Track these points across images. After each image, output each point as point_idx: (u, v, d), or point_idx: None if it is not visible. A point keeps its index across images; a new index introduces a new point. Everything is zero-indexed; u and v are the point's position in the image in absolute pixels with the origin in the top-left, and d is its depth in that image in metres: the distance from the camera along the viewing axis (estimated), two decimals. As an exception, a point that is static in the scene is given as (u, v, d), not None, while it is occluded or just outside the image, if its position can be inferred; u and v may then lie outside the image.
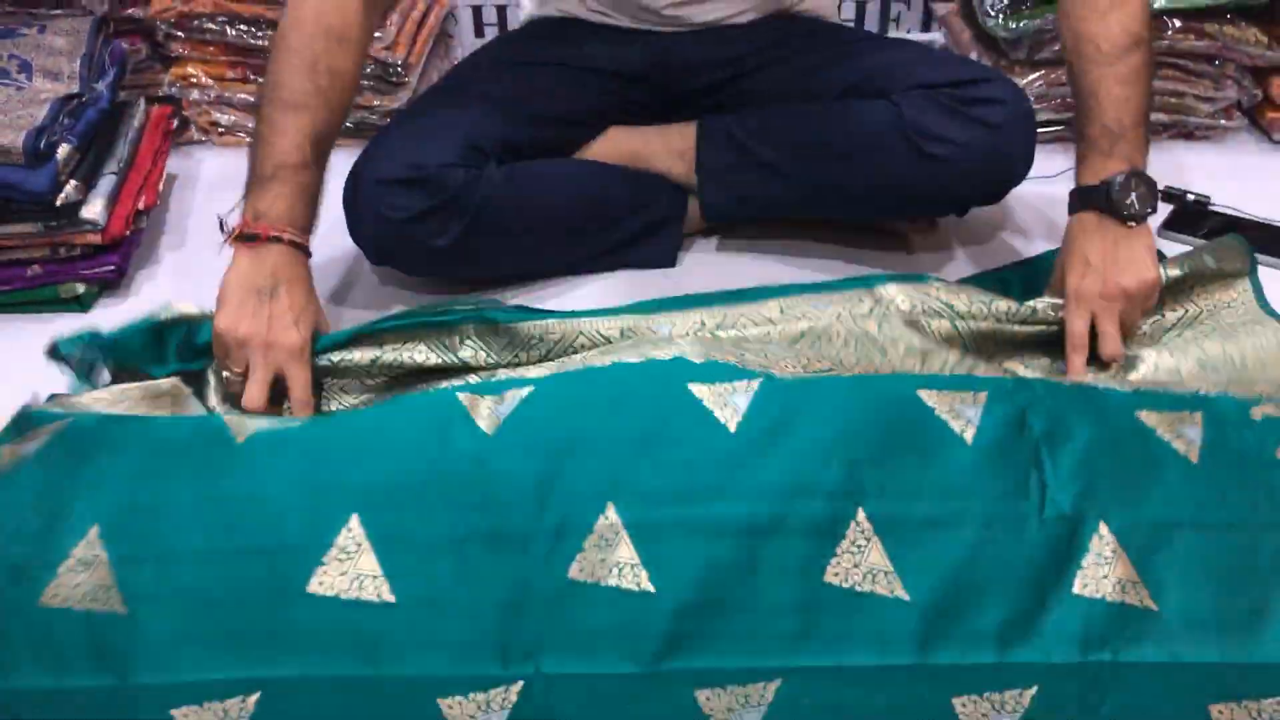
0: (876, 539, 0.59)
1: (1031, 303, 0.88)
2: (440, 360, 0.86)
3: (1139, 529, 0.61)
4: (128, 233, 1.07)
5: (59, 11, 1.25)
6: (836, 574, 0.59)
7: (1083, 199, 0.89)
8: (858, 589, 0.59)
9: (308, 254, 0.88)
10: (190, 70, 1.34)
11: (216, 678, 0.57)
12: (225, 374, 0.84)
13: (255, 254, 0.84)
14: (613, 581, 0.59)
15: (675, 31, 1.10)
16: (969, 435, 0.63)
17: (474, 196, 0.98)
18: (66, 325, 1.03)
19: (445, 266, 1.03)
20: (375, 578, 0.59)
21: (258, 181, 0.86)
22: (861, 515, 0.60)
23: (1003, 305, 0.87)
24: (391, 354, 0.86)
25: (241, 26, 1.31)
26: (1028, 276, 0.99)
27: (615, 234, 1.08)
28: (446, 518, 0.60)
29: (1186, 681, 0.58)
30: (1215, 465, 0.64)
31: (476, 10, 1.57)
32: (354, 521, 0.60)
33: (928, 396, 0.64)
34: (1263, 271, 1.00)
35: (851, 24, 1.56)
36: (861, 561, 0.59)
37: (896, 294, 0.87)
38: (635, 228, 1.09)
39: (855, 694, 0.59)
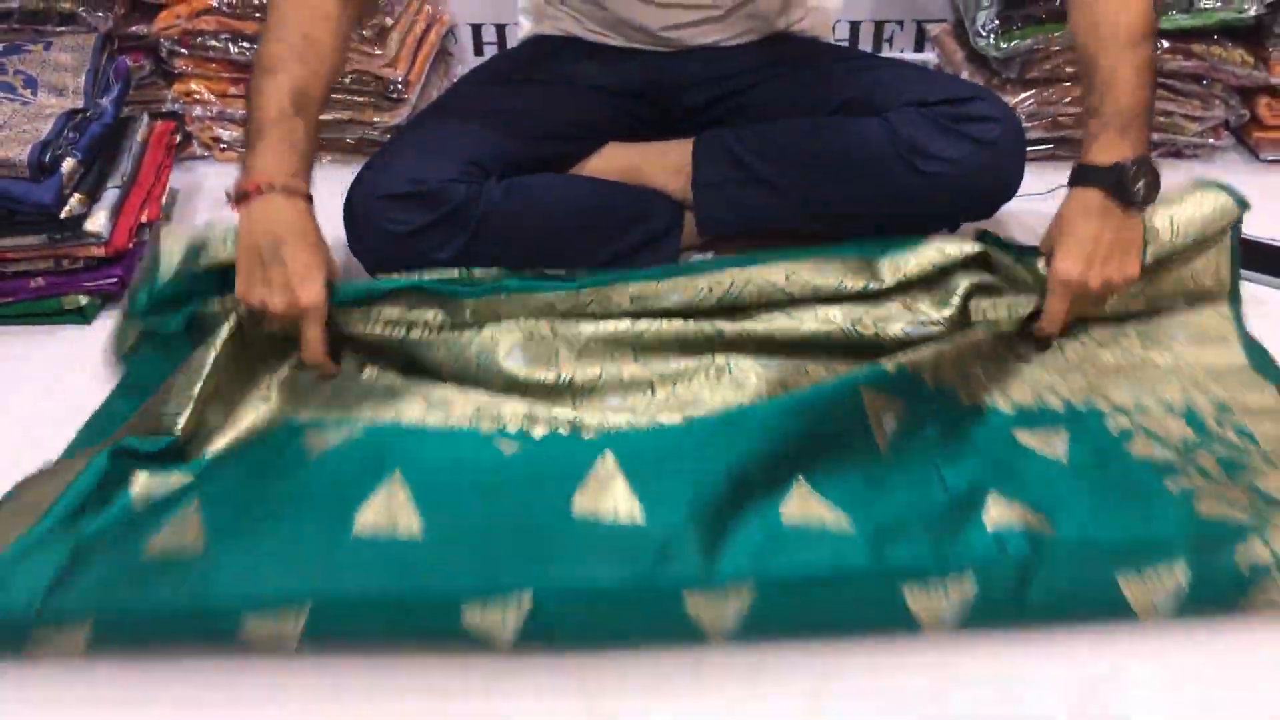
0: (816, 494, 0.74)
1: (1014, 264, 0.92)
2: (453, 321, 0.89)
3: (1026, 497, 0.75)
4: (130, 245, 1.08)
5: (64, 28, 1.27)
6: (789, 515, 0.72)
7: (1090, 176, 0.88)
8: (809, 526, 0.71)
9: (305, 198, 0.88)
10: (193, 86, 1.36)
11: (273, 591, 0.67)
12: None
13: (250, 211, 0.86)
14: (609, 517, 0.71)
15: (671, 51, 1.12)
16: (883, 443, 0.79)
17: (474, 211, 0.99)
18: (69, 337, 1.05)
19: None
20: (409, 513, 0.71)
21: (248, 146, 0.89)
22: (803, 480, 0.75)
23: (990, 256, 0.92)
24: (407, 316, 0.89)
25: (244, 44, 1.33)
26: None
27: (613, 248, 1.09)
28: (475, 475, 0.75)
29: (1093, 556, 0.71)
30: (1082, 460, 0.79)
31: (476, 29, 1.59)
32: (397, 474, 0.73)
33: (867, 396, 0.80)
34: (1255, 289, 1.02)
35: (846, 44, 1.58)
36: (808, 510, 0.73)
37: (893, 258, 0.92)
38: (633, 242, 1.10)
39: (821, 594, 0.69)
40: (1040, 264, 0.90)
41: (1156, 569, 0.70)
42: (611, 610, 0.68)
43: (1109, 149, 0.88)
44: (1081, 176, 0.89)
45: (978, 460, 0.79)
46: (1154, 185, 0.87)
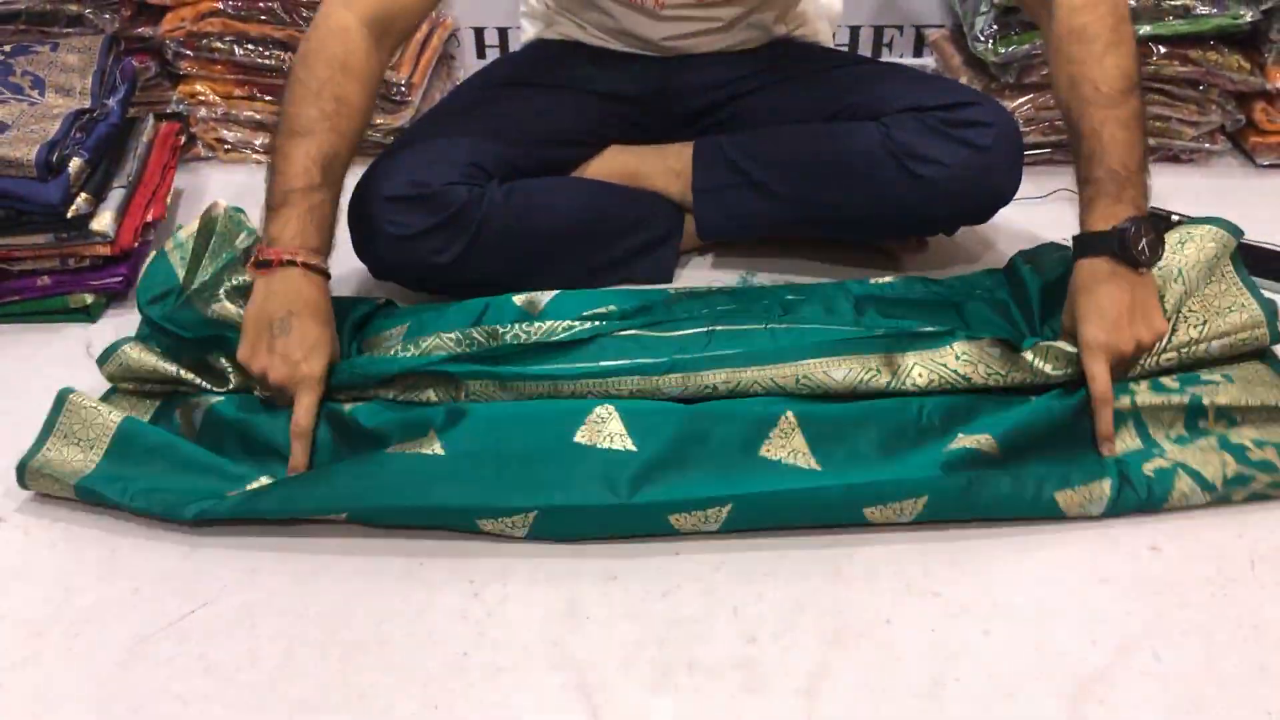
0: (800, 430, 0.82)
1: (1044, 364, 0.86)
2: (450, 397, 0.88)
3: (991, 431, 0.83)
4: (136, 245, 1.09)
5: (71, 30, 1.28)
6: (769, 450, 0.81)
7: (1094, 245, 0.86)
8: (784, 461, 0.81)
9: (324, 274, 0.89)
10: (198, 88, 1.37)
11: (319, 503, 0.81)
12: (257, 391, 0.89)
13: (270, 282, 0.86)
14: (605, 445, 0.80)
15: (673, 57, 1.13)
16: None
17: (476, 214, 1.00)
18: (74, 335, 1.06)
19: (447, 282, 1.05)
20: (434, 444, 0.81)
21: (270, 210, 0.88)
22: (790, 414, 0.82)
23: (1017, 377, 0.86)
24: (403, 395, 0.88)
25: (249, 46, 1.34)
26: (1039, 270, 0.99)
27: (613, 251, 1.10)
28: (488, 413, 0.83)
29: (1033, 477, 0.81)
30: (1048, 404, 0.86)
31: (479, 32, 1.60)
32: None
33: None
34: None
35: (845, 49, 1.59)
36: (788, 445, 0.81)
37: (914, 366, 0.85)
38: (633, 245, 1.11)
39: (790, 508, 0.80)
40: (1064, 344, 0.87)
41: (1088, 485, 0.81)
42: (603, 523, 0.79)
43: (1106, 216, 0.86)
44: (1084, 246, 0.87)
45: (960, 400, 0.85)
46: (1157, 243, 0.86)
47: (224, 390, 0.91)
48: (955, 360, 0.86)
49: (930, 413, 0.83)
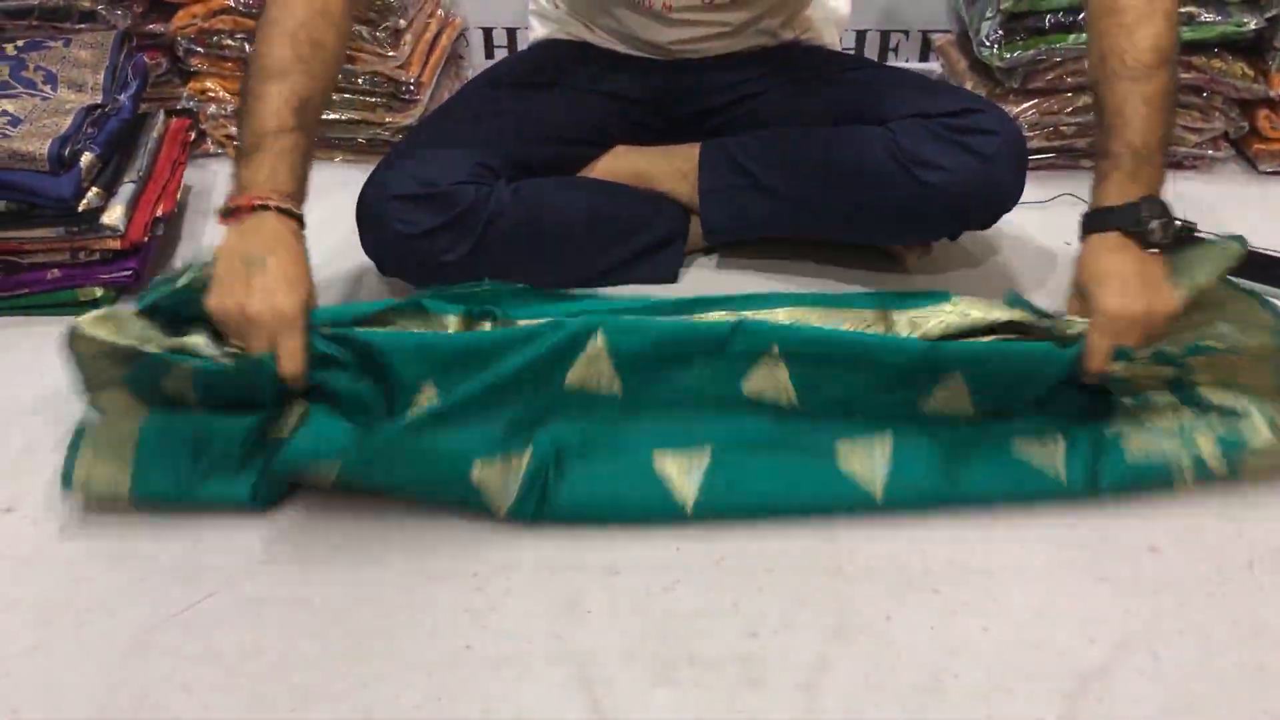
0: (784, 364, 0.84)
1: (1031, 317, 0.87)
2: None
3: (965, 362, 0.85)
4: (145, 239, 1.10)
5: (84, 26, 1.29)
6: (750, 387, 0.85)
7: (1105, 219, 0.85)
8: (764, 397, 0.85)
9: (298, 221, 0.84)
10: (208, 85, 1.38)
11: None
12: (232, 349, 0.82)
13: (242, 226, 0.82)
14: (593, 388, 0.84)
15: (679, 61, 1.14)
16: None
17: (483, 213, 1.00)
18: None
19: (453, 280, 1.05)
20: (431, 398, 0.82)
21: (243, 154, 0.84)
22: (775, 349, 0.84)
23: (1012, 319, 0.87)
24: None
25: (259, 44, 1.35)
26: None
27: (619, 251, 1.10)
28: (483, 355, 0.83)
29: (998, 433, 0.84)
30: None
31: (487, 32, 1.61)
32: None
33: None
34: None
35: (852, 53, 1.60)
36: (770, 376, 0.85)
37: (908, 320, 0.88)
38: (639, 245, 1.11)
39: (766, 456, 0.83)
40: (1073, 326, 0.85)
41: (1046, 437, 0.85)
42: (589, 453, 0.83)
43: (1119, 192, 0.85)
44: (1094, 221, 0.86)
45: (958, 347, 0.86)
46: (1168, 224, 0.84)
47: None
48: (948, 314, 0.88)
49: (916, 353, 0.84)
